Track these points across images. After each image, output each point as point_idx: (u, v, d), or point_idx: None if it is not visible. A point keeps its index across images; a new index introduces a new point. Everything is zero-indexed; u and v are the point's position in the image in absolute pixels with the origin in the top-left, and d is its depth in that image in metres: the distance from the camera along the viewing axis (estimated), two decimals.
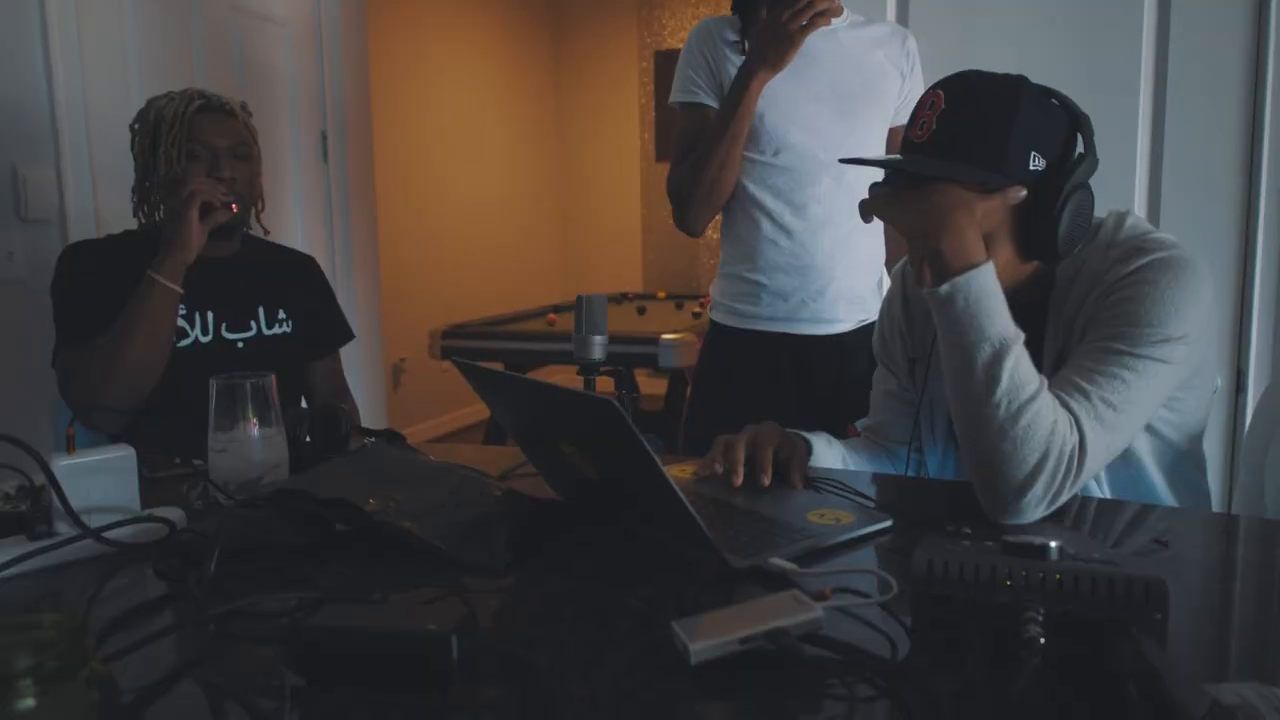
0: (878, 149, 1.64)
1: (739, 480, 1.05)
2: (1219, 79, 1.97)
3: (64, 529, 0.85)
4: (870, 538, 0.93)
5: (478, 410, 5.00)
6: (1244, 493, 1.28)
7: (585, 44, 5.84)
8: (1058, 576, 0.71)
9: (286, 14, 2.74)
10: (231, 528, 0.85)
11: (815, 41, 1.55)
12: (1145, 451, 1.07)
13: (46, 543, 0.83)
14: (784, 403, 1.61)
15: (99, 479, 0.87)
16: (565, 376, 5.39)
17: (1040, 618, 0.69)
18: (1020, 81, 1.03)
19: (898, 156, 1.06)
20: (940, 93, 1.03)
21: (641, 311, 3.86)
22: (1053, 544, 0.77)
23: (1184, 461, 1.11)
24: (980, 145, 1.00)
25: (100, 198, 2.13)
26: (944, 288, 0.96)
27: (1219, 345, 1.98)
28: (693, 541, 0.82)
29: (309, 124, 2.84)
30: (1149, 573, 0.70)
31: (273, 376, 1.02)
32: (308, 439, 1.20)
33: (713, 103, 1.61)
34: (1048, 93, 1.04)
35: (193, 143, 1.51)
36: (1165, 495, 1.09)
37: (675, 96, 1.67)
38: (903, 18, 2.17)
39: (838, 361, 1.63)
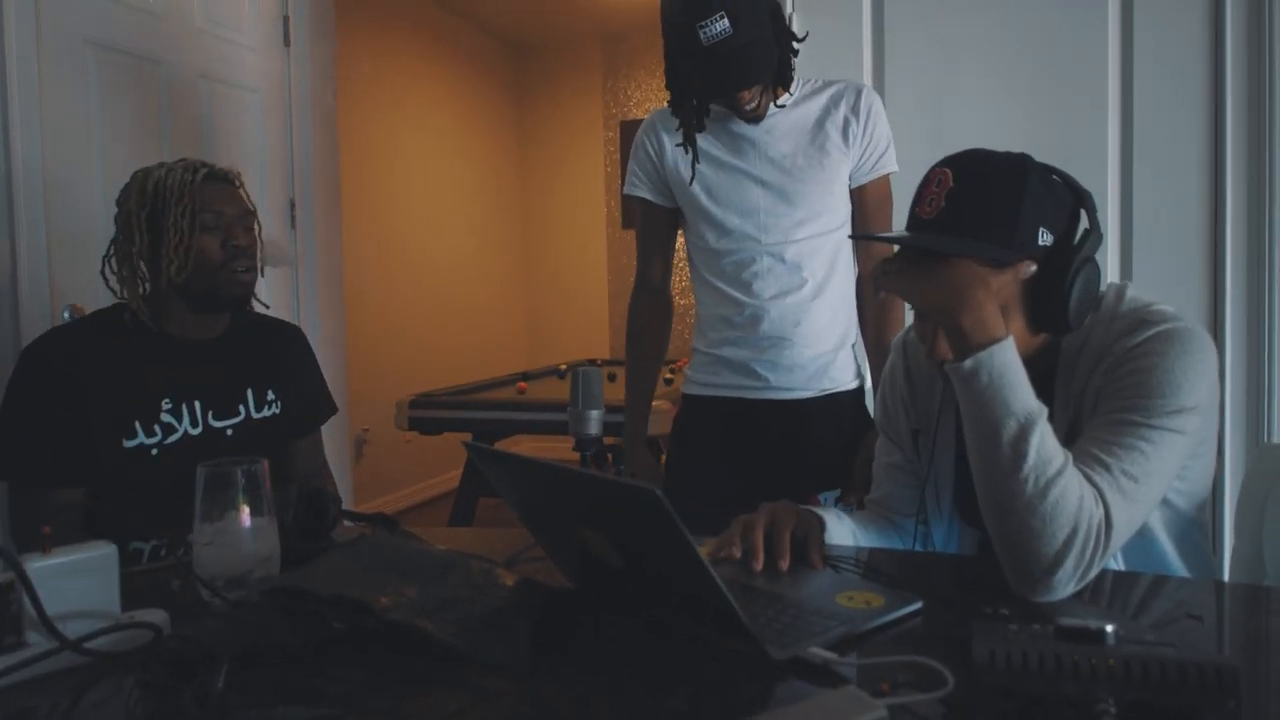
0: (828, 220, 1.63)
1: (760, 565, 1.02)
2: (1181, 138, 2.05)
3: (36, 639, 0.78)
4: (902, 620, 0.89)
5: (442, 482, 4.88)
6: (1239, 559, 1.27)
7: (551, 114, 5.91)
8: (1126, 664, 0.69)
9: (256, 80, 2.72)
10: (225, 631, 0.78)
11: (754, 126, 1.61)
12: (1157, 521, 1.08)
13: (18, 658, 0.75)
14: (748, 469, 1.65)
15: (77, 580, 0.80)
16: (532, 445, 5.33)
17: (1113, 710, 0.67)
18: (1025, 160, 1.05)
19: (907, 234, 1.07)
20: (947, 171, 1.04)
21: (612, 378, 3.83)
22: (1109, 628, 0.75)
23: (1192, 529, 1.11)
24: (990, 222, 1.02)
25: (55, 267, 2.05)
26: (968, 363, 0.96)
27: None
28: (727, 632, 0.77)
29: (277, 191, 2.80)
30: (1219, 658, 0.68)
31: (265, 462, 0.96)
32: (291, 525, 1.13)
33: (653, 197, 1.71)
34: (1050, 170, 1.07)
35: (204, 212, 1.46)
36: (1176, 564, 1.09)
37: (624, 188, 1.78)
38: (878, 79, 2.24)
39: (799, 428, 1.64)
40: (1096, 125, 2.10)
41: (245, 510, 0.94)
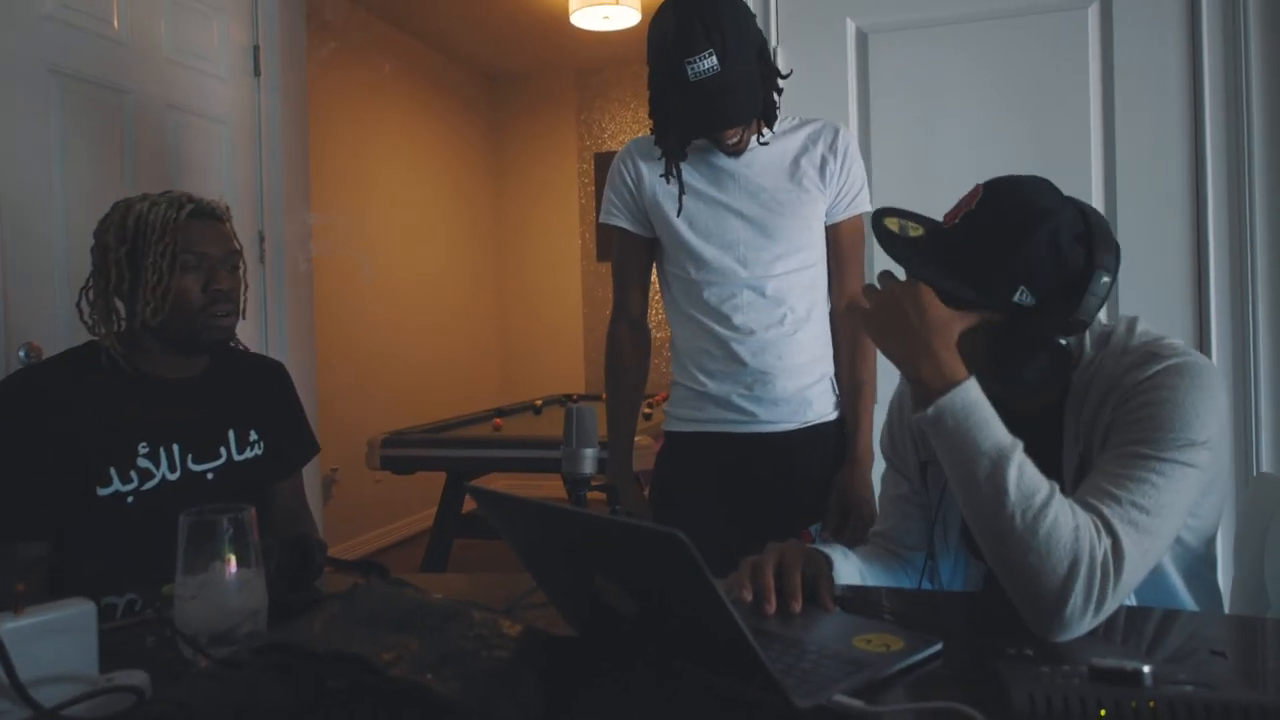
0: (807, 256, 1.65)
1: (772, 609, 1.00)
2: (1163, 172, 2.09)
3: (8, 706, 0.73)
4: (924, 663, 0.88)
5: (414, 522, 4.80)
6: (1241, 589, 1.28)
7: (525, 146, 5.92)
8: (1170, 706, 0.68)
9: (226, 111, 2.69)
10: (212, 693, 0.74)
11: (735, 160, 1.63)
12: (1167, 558, 1.07)
13: None
14: (736, 505, 1.64)
15: (52, 642, 0.75)
16: (508, 483, 5.28)
17: None
18: (1050, 211, 1.03)
19: (920, 230, 1.08)
20: (980, 189, 1.06)
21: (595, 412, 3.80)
22: (1145, 669, 0.74)
23: (1200, 565, 1.11)
24: (974, 261, 1.03)
25: (10, 302, 1.99)
26: (930, 411, 0.97)
27: None
28: (748, 680, 0.75)
29: (246, 224, 2.75)
30: (1261, 697, 0.67)
31: (252, 510, 0.92)
32: (275, 573, 1.09)
33: (630, 226, 1.71)
34: (1086, 228, 1.04)
35: (186, 252, 1.41)
36: (1185, 598, 1.09)
37: (600, 218, 1.78)
38: (862, 115, 2.26)
39: (785, 461, 1.64)
40: (1080, 161, 2.13)
41: (231, 561, 0.90)
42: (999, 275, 1.01)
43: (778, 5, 2.30)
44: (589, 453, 1.25)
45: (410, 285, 5.06)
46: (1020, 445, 0.95)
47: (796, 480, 1.64)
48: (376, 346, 4.74)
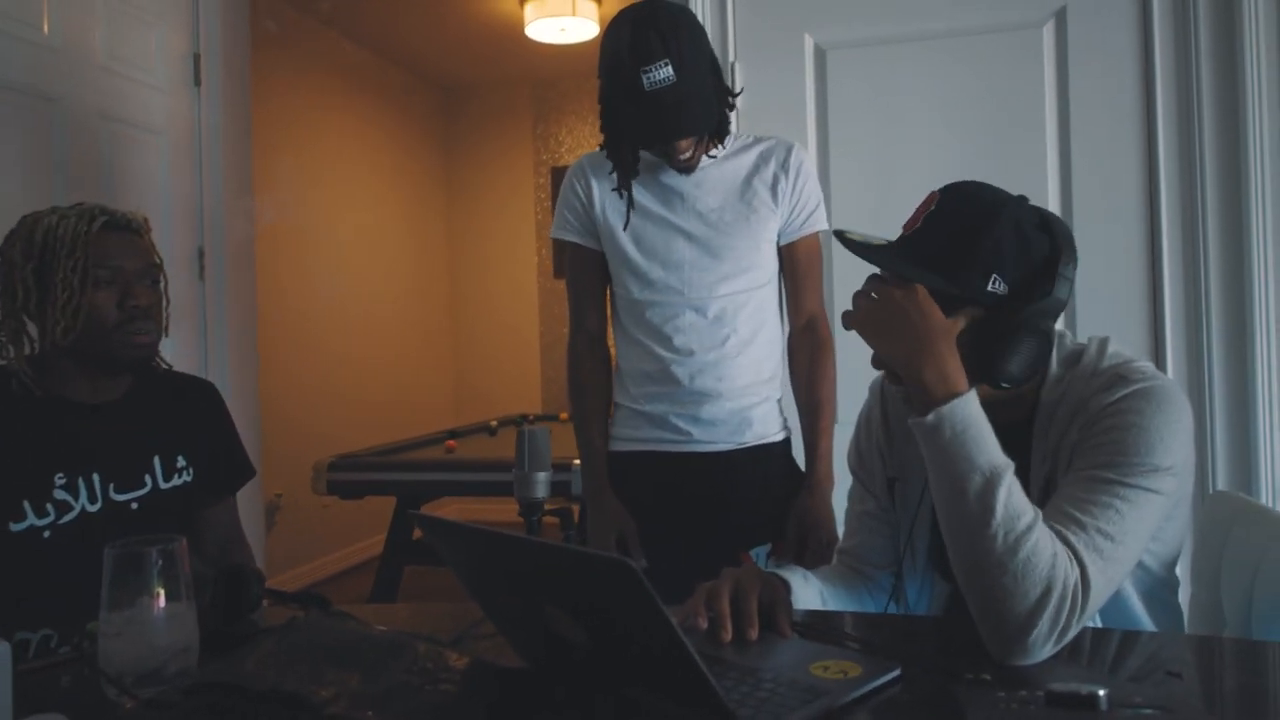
0: (755, 277, 1.66)
1: (729, 636, 0.99)
2: (1118, 188, 2.15)
3: None
4: (882, 690, 0.88)
5: (364, 548, 4.71)
6: (1199, 608, 1.30)
7: (480, 159, 5.90)
8: None
9: (162, 122, 2.64)
10: None
11: (683, 178, 1.64)
12: (1128, 579, 1.08)
13: None
14: (678, 526, 1.64)
15: None
16: (462, 507, 5.20)
17: None
18: (1008, 202, 1.07)
19: (884, 241, 1.09)
20: (936, 194, 1.08)
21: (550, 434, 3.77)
22: (1100, 692, 0.75)
23: (1161, 588, 1.12)
24: (945, 255, 1.04)
25: None
26: (929, 418, 0.97)
27: None
28: (702, 709, 0.74)
29: (184, 239, 2.70)
30: (1212, 719, 0.68)
31: (183, 541, 0.89)
32: (210, 606, 1.06)
33: (583, 241, 1.72)
34: (1043, 219, 1.08)
35: (99, 267, 1.37)
36: (1144, 619, 1.10)
37: (552, 231, 1.79)
38: (821, 132, 2.30)
39: (724, 482, 1.65)
40: (1036, 179, 2.18)
41: (160, 595, 0.87)
42: (970, 264, 1.02)
43: (735, 21, 2.33)
44: (542, 476, 1.24)
45: (360, 301, 5.00)
46: (1012, 466, 0.95)
47: (735, 502, 1.64)
48: (324, 365, 4.66)
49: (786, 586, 1.12)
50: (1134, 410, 1.01)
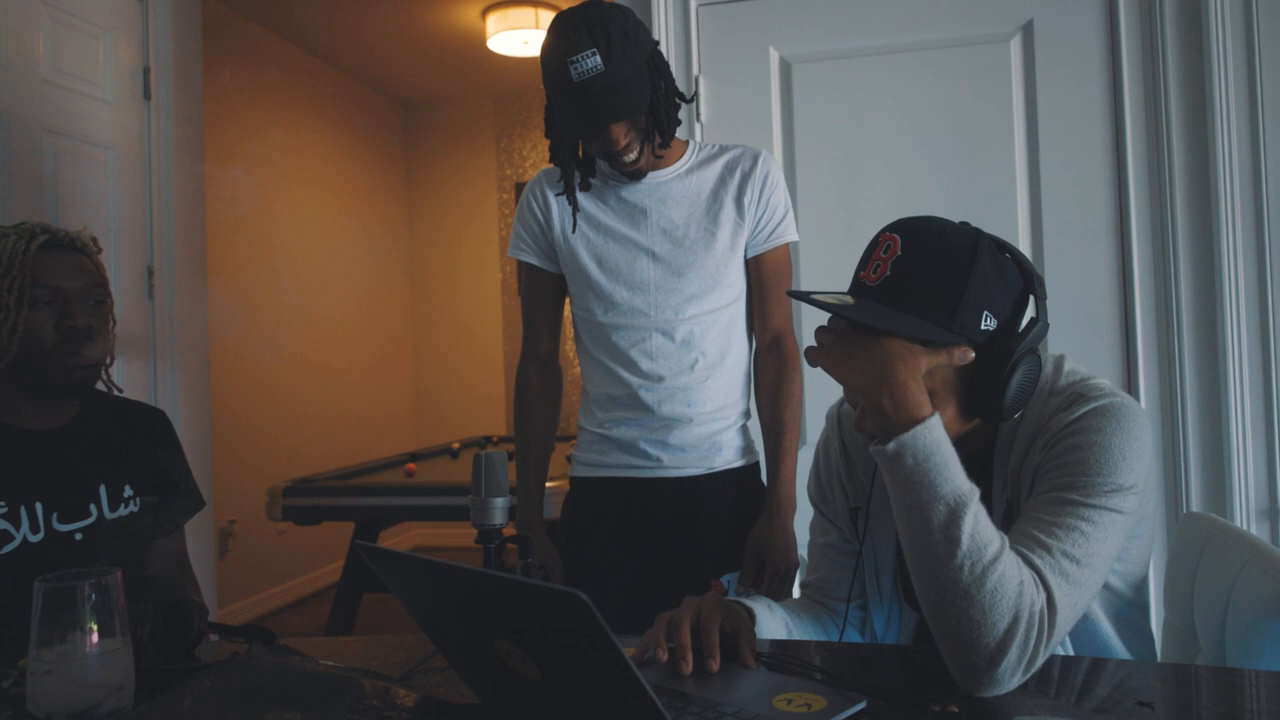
0: (721, 296, 1.64)
1: (689, 668, 0.98)
2: (1087, 190, 2.17)
3: None
4: None
5: (321, 576, 4.65)
6: (1171, 632, 1.30)
7: (442, 174, 5.88)
8: None
9: (111, 137, 2.61)
10: None
11: (645, 191, 1.63)
12: (1095, 604, 1.09)
13: None
14: (645, 554, 1.63)
15: None
16: (423, 532, 5.15)
17: None
18: (978, 236, 1.06)
19: (848, 298, 1.06)
20: (896, 237, 1.05)
21: (510, 458, 3.75)
22: None
23: (1130, 610, 1.12)
24: (933, 300, 1.01)
25: None
26: (890, 445, 0.96)
27: None
28: None
29: (134, 257, 2.67)
30: None
31: (118, 573, 0.88)
32: (149, 642, 1.04)
33: (538, 262, 1.71)
34: (1002, 247, 1.08)
35: (37, 287, 1.35)
36: (1116, 645, 1.10)
37: (509, 251, 1.77)
38: (788, 146, 2.31)
39: (692, 508, 1.64)
40: (1005, 192, 2.21)
41: (93, 632, 0.85)
42: (961, 308, 1.01)
43: (699, 34, 2.34)
44: (499, 502, 1.23)
45: (318, 321, 4.95)
46: (978, 493, 0.95)
47: (704, 527, 1.63)
48: (280, 388, 4.61)
49: (751, 616, 1.11)
50: (1094, 429, 1.01)
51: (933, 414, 0.97)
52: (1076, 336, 2.15)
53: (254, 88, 4.56)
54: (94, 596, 0.86)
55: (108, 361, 1.47)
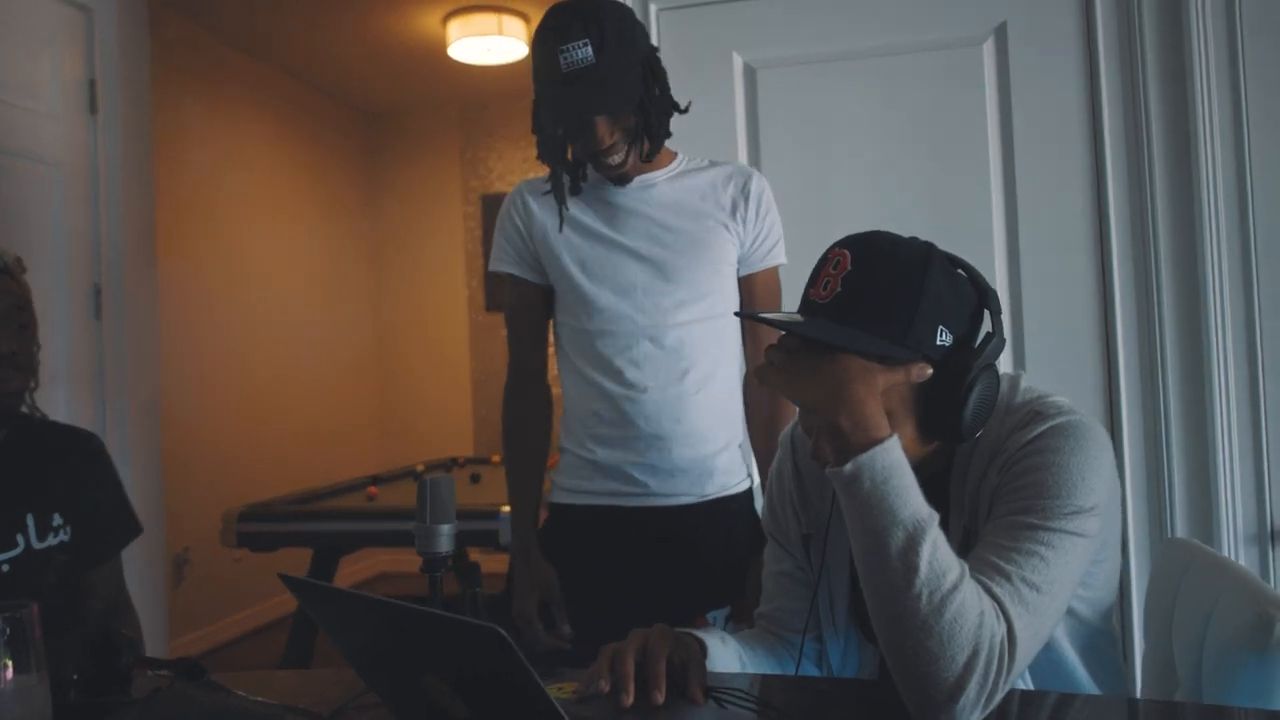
0: (713, 304, 1.62)
1: (630, 700, 0.98)
2: (1065, 216, 2.14)
3: None
4: None
5: (278, 604, 4.61)
6: (1150, 664, 1.29)
7: (404, 187, 5.87)
8: None
9: (56, 154, 2.60)
10: None
11: (630, 194, 1.61)
12: (1060, 632, 1.08)
13: None
14: (628, 588, 1.59)
15: None
16: (387, 559, 5.11)
17: None
18: (929, 250, 1.06)
19: (798, 318, 1.05)
20: (845, 253, 1.04)
21: (475, 479, 3.76)
22: None
23: (1099, 639, 1.12)
24: (886, 316, 1.01)
25: None
26: (848, 467, 0.95)
27: None
28: None
29: (80, 276, 2.65)
30: None
31: (35, 607, 0.88)
32: (75, 677, 1.03)
33: (522, 273, 1.69)
34: (954, 262, 1.08)
35: None
36: (1083, 678, 1.10)
37: (490, 264, 1.74)
38: (753, 160, 2.30)
39: (683, 538, 1.60)
40: (980, 200, 2.19)
41: (8, 668, 0.85)
42: (915, 319, 1.01)
43: (660, 38, 2.32)
44: (445, 529, 1.21)
45: (277, 338, 4.93)
46: (937, 518, 0.94)
47: (696, 560, 1.59)
48: (236, 407, 4.58)
49: (702, 648, 1.10)
50: (1052, 449, 1.01)
51: (891, 435, 0.97)
52: (1054, 353, 2.12)
53: (207, 99, 4.55)
54: (8, 631, 0.86)
55: (32, 385, 1.47)
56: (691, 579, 1.59)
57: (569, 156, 1.60)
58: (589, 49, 1.44)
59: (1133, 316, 2.09)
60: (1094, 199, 2.13)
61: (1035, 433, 1.03)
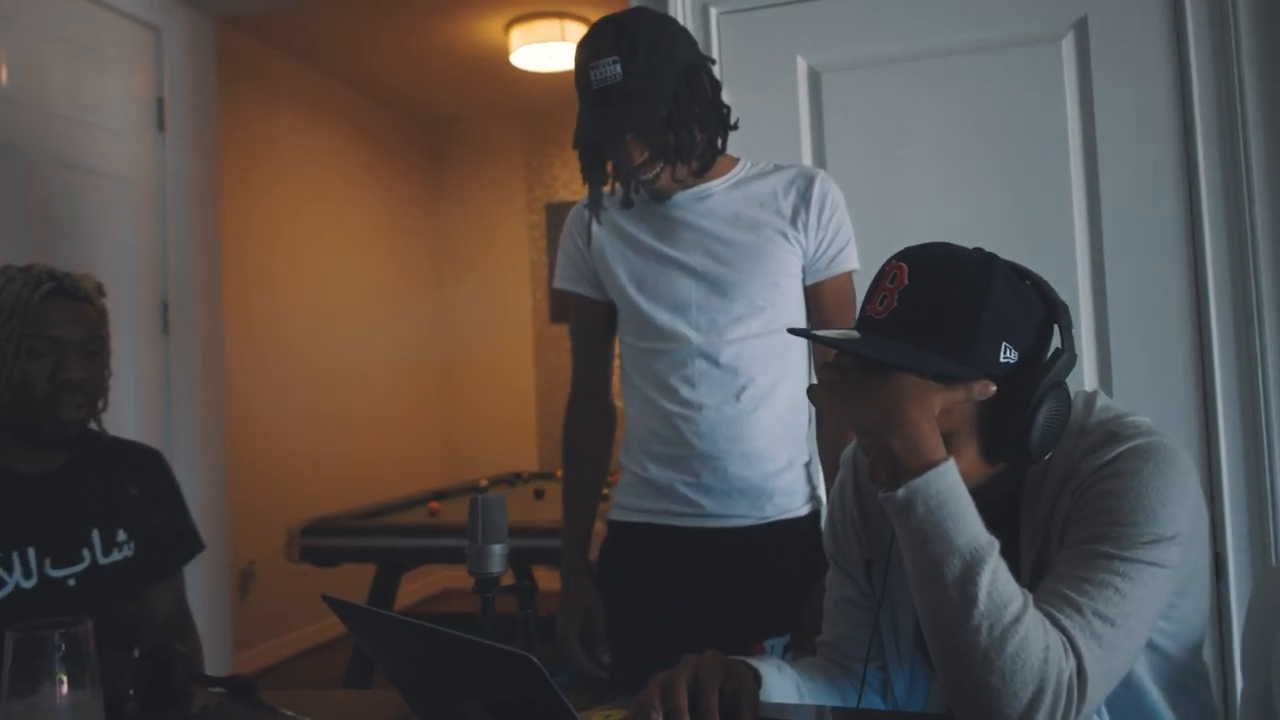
0: (772, 318, 1.60)
1: None
2: (1155, 221, 2.07)
3: None
4: None
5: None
6: (1250, 704, 1.24)
7: (468, 197, 5.96)
8: None
9: (126, 170, 2.73)
10: None
11: (685, 205, 1.61)
12: (1144, 670, 1.04)
13: None
14: (683, 612, 1.58)
15: None
16: (450, 575, 5.17)
17: None
18: (991, 261, 1.04)
19: (854, 334, 1.04)
20: (903, 266, 1.02)
21: (539, 495, 3.79)
22: None
23: (1185, 676, 1.08)
24: (947, 331, 0.99)
25: None
26: (900, 492, 0.94)
27: None
28: None
29: (147, 291, 2.77)
30: None
31: (89, 624, 0.92)
32: (131, 692, 1.08)
33: (585, 291, 1.72)
34: (1021, 274, 1.06)
35: (36, 337, 1.43)
36: (1166, 717, 1.06)
37: (554, 282, 1.78)
38: (819, 164, 2.28)
39: (739, 562, 1.59)
40: (1061, 207, 2.13)
41: (63, 683, 0.90)
42: (977, 335, 0.99)
43: (720, 44, 2.34)
44: (497, 549, 1.22)
45: (339, 351, 5.05)
46: (997, 546, 0.93)
47: (754, 584, 1.57)
48: (301, 421, 4.70)
49: (756, 677, 1.08)
50: (1129, 472, 0.98)
51: (947, 458, 0.95)
52: (1143, 368, 2.06)
53: (271, 113, 4.70)
54: (63, 647, 0.90)
55: (101, 406, 1.54)
56: (748, 604, 1.58)
57: (608, 171, 1.62)
58: (618, 66, 1.46)
59: (1229, 327, 2.02)
60: (1185, 202, 2.06)
61: (1111, 455, 1.00)
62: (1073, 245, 2.13)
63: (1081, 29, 2.14)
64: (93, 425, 1.57)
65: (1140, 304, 2.08)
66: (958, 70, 2.21)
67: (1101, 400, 1.10)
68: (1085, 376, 2.10)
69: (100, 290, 1.55)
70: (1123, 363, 2.08)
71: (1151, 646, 1.03)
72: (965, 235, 1.11)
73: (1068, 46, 2.15)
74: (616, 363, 1.78)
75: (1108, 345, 2.11)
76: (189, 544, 1.65)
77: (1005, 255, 1.08)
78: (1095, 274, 2.12)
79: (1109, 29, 2.12)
